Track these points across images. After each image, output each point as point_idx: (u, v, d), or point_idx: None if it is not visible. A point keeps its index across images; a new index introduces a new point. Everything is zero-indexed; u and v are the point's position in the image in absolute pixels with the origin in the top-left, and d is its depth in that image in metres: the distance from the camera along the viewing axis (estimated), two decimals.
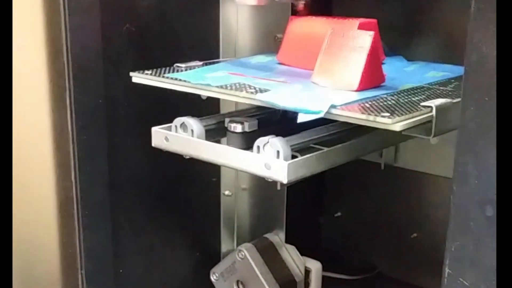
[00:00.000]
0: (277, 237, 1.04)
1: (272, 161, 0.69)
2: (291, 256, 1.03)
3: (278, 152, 0.70)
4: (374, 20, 0.85)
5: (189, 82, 0.77)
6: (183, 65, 0.86)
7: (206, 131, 0.78)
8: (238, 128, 0.76)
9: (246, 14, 1.00)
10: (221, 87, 0.74)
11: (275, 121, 0.84)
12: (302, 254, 1.04)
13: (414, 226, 1.08)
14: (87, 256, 0.87)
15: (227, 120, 0.78)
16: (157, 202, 0.97)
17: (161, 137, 0.78)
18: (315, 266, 1.03)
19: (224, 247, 1.10)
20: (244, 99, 0.72)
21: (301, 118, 0.67)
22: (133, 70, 0.83)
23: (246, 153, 0.72)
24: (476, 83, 0.51)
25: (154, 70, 0.83)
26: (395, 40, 0.99)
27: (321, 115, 0.65)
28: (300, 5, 0.91)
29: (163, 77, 0.80)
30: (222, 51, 1.00)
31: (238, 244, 1.09)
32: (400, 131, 0.63)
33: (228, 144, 0.78)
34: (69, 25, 0.79)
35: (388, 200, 1.09)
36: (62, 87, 0.80)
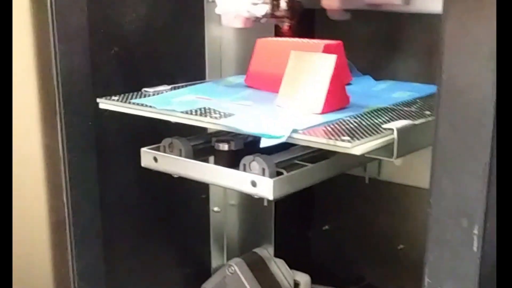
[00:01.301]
0: (266, 251, 1.06)
1: (258, 178, 0.71)
2: (280, 270, 1.05)
3: (263, 169, 0.72)
4: (339, 42, 0.86)
5: (154, 107, 0.77)
6: (151, 89, 0.87)
7: (194, 150, 0.81)
8: (225, 147, 0.79)
9: (230, 35, 1.03)
10: (186, 112, 0.75)
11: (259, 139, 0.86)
12: (291, 268, 1.05)
13: (401, 238, 1.10)
14: (79, 276, 0.89)
15: (214, 139, 0.80)
16: (147, 220, 0.99)
17: (150, 157, 0.81)
18: (304, 279, 1.05)
19: (214, 263, 1.11)
20: (209, 124, 0.73)
21: (264, 143, 0.67)
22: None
23: (233, 171, 0.74)
24: (449, 102, 0.53)
25: (121, 95, 0.83)
26: (375, 59, 1.01)
27: (283, 139, 0.67)
28: (285, 27, 0.92)
29: (129, 103, 0.80)
30: (208, 71, 1.02)
31: (228, 259, 1.10)
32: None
33: (215, 162, 0.80)
34: (59, 50, 0.82)
35: (374, 213, 1.11)
36: (52, 110, 0.82)
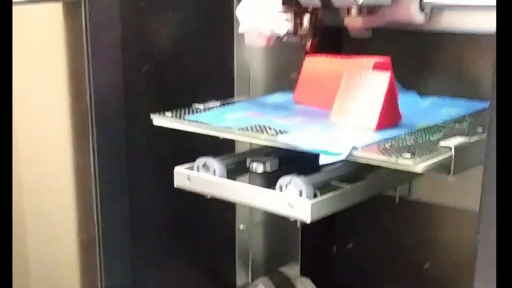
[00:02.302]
0: (292, 270, 1.06)
1: (296, 200, 0.71)
2: None
3: (301, 191, 0.71)
4: (388, 59, 0.86)
5: (210, 125, 0.78)
6: (201, 106, 0.87)
7: (227, 170, 0.80)
8: (259, 168, 0.78)
9: (259, 53, 1.02)
10: (243, 129, 0.76)
11: (294, 158, 0.85)
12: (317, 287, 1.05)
13: (427, 257, 1.09)
14: None
15: (248, 160, 0.80)
16: (174, 239, 0.98)
17: (184, 177, 0.80)
18: None
19: (239, 281, 1.10)
20: (266, 141, 0.74)
21: (323, 160, 0.68)
22: (152, 110, 0.85)
23: (270, 192, 0.73)
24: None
25: (174, 111, 0.84)
26: (404, 75, 1.01)
27: (342, 157, 0.67)
28: (308, 45, 0.92)
29: (183, 119, 0.81)
30: (237, 90, 1.02)
31: (252, 278, 1.10)
32: None
33: (250, 183, 0.79)
34: (92, 68, 0.81)
35: (400, 231, 1.10)
36: (85, 129, 0.82)
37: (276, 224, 1.09)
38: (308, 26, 0.88)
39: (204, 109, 0.86)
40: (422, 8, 0.87)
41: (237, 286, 1.10)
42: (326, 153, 0.68)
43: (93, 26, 0.80)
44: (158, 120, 0.83)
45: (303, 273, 1.05)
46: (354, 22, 0.90)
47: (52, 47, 0.81)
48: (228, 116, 0.82)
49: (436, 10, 0.88)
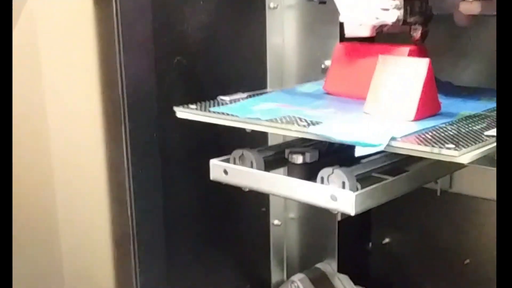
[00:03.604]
0: (329, 266, 1.03)
1: (339, 192, 0.68)
2: (345, 286, 1.01)
3: (343, 182, 0.68)
4: (423, 46, 0.82)
5: (237, 116, 0.74)
6: (227, 98, 0.83)
7: (264, 162, 0.77)
8: (299, 159, 0.75)
9: (292, 43, 1.00)
10: (271, 120, 0.71)
11: (332, 150, 0.82)
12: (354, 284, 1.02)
13: (467, 252, 1.06)
14: None
15: (287, 151, 0.77)
16: (208, 234, 0.96)
17: (220, 170, 0.77)
18: None
19: (274, 278, 1.08)
20: (297, 133, 0.69)
21: (359, 152, 0.64)
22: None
23: (311, 184, 0.70)
24: None
25: (199, 104, 0.80)
26: (439, 64, 0.97)
27: (381, 148, 0.63)
28: (418, 34, 0.82)
29: (208, 111, 0.77)
30: (270, 80, 0.99)
31: (288, 275, 1.07)
32: None
33: (288, 175, 0.76)
34: (124, 60, 0.79)
35: (440, 226, 1.07)
36: (118, 121, 0.80)
37: (312, 219, 1.06)
38: (418, 13, 0.80)
39: (230, 101, 0.83)
40: None
41: (272, 282, 1.08)
42: (363, 144, 0.63)
43: (124, 16, 0.78)
44: (182, 112, 0.79)
45: (340, 269, 1.02)
46: (471, 7, 0.81)
47: (83, 37, 0.79)
48: (255, 108, 0.78)
49: None
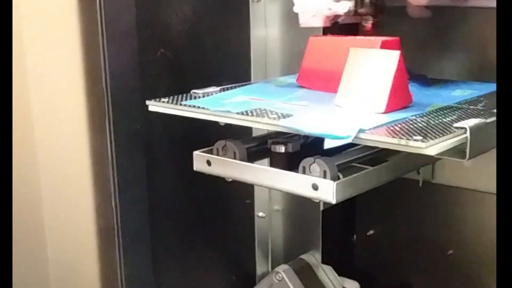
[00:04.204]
0: (313, 257, 1.03)
1: (320, 181, 0.68)
2: (329, 277, 1.02)
3: (325, 172, 0.69)
4: (396, 38, 0.81)
5: (207, 109, 0.74)
6: (200, 91, 0.83)
7: (248, 153, 0.78)
8: (281, 149, 0.76)
9: (276, 35, 1.00)
10: (242, 113, 0.72)
11: (316, 141, 0.83)
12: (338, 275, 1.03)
13: (451, 243, 1.07)
14: (127, 282, 0.86)
15: (269, 141, 0.77)
16: (193, 226, 0.97)
17: (203, 160, 0.78)
18: (352, 286, 1.02)
19: (259, 269, 1.09)
20: (267, 125, 0.70)
21: (328, 144, 0.64)
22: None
23: (293, 174, 0.71)
24: None
25: (171, 97, 0.80)
26: (418, 58, 0.98)
27: (349, 140, 0.63)
28: (368, 25, 0.86)
29: (180, 104, 0.77)
30: (254, 73, 1.00)
31: (273, 266, 1.08)
32: None
33: (271, 165, 0.77)
34: (107, 52, 0.80)
35: (424, 217, 1.08)
36: (102, 114, 0.80)
37: (296, 211, 1.07)
38: (369, 4, 0.83)
39: (203, 95, 0.83)
40: None
41: (257, 274, 1.09)
42: (332, 136, 0.64)
43: (108, 9, 0.79)
44: (154, 106, 0.79)
45: (324, 260, 1.03)
46: None
47: (66, 29, 0.79)
48: (227, 101, 0.78)
49: None
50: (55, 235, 0.84)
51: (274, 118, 0.69)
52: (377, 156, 0.77)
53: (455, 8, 0.91)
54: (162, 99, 0.80)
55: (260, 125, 0.71)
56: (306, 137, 0.80)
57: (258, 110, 0.73)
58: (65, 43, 0.80)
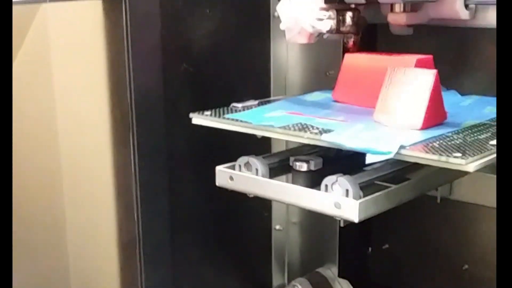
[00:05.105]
0: (330, 271, 1.04)
1: (342, 200, 0.69)
2: None
3: (347, 190, 0.70)
4: (430, 57, 0.85)
5: (250, 123, 0.77)
6: (239, 105, 0.85)
7: (270, 169, 0.79)
8: (303, 166, 0.77)
9: (296, 52, 1.01)
10: (284, 128, 0.74)
11: (334, 158, 0.84)
12: None
13: (466, 258, 1.07)
14: None
15: (291, 159, 0.78)
16: (212, 239, 0.98)
17: (226, 176, 0.79)
18: None
19: (275, 282, 1.09)
20: (309, 140, 0.72)
21: (370, 159, 0.66)
22: (190, 109, 0.84)
23: (315, 192, 0.72)
24: None
25: (213, 110, 0.83)
26: (443, 73, 0.99)
27: (390, 156, 0.65)
28: (350, 42, 0.90)
29: (223, 118, 0.80)
30: (273, 89, 1.01)
31: (289, 279, 1.08)
32: None
33: (293, 182, 0.78)
34: (132, 67, 0.81)
35: (440, 232, 1.08)
36: (126, 127, 0.81)
37: (313, 224, 1.07)
38: (350, 23, 0.86)
39: (243, 108, 0.85)
40: (466, 4, 0.85)
41: (273, 286, 1.09)
42: (373, 152, 0.66)
43: (133, 24, 0.80)
44: (197, 119, 0.82)
45: (341, 274, 1.04)
46: (398, 18, 0.88)
47: (92, 45, 0.81)
48: (267, 115, 0.81)
49: (481, 6, 0.86)
50: (77, 246, 0.86)
51: (315, 133, 0.71)
52: (398, 174, 0.78)
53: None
54: (205, 112, 0.82)
55: (303, 140, 0.73)
56: (334, 152, 0.82)
57: (299, 125, 0.75)
58: (92, 58, 0.81)
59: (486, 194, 0.99)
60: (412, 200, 0.99)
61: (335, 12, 0.84)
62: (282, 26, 0.87)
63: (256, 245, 1.06)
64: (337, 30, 0.86)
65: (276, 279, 1.09)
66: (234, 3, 0.94)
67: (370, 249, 1.20)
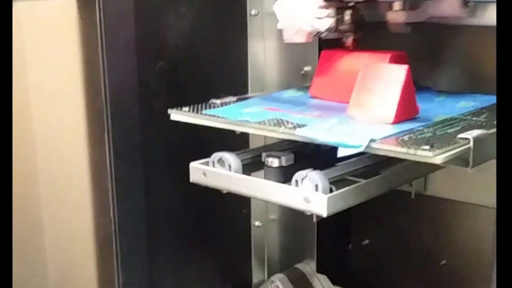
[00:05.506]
0: (308, 267, 1.05)
1: (312, 194, 0.70)
2: (323, 286, 1.04)
3: (316, 185, 0.71)
4: (403, 53, 0.86)
5: (227, 118, 0.78)
6: (218, 101, 0.86)
7: (243, 165, 0.80)
8: (275, 162, 0.77)
9: (273, 49, 1.02)
10: (260, 123, 0.75)
11: (308, 154, 0.85)
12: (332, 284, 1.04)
13: (444, 253, 1.08)
14: None
15: (264, 154, 0.79)
16: (190, 235, 0.98)
17: (199, 172, 0.80)
18: None
19: (255, 278, 1.10)
20: (284, 134, 0.73)
21: (341, 153, 0.68)
22: (167, 107, 0.84)
23: (285, 187, 0.73)
24: None
25: (191, 106, 0.83)
26: (418, 70, 1.00)
27: (361, 149, 0.67)
28: (349, 41, 0.89)
29: (201, 114, 0.81)
30: (251, 86, 1.02)
31: (269, 275, 1.09)
32: None
33: (265, 178, 0.79)
34: (107, 65, 0.81)
35: (417, 227, 1.09)
36: (101, 125, 0.82)
37: (292, 220, 1.08)
38: (349, 22, 0.86)
39: (221, 104, 0.86)
40: (466, 2, 0.86)
41: (253, 282, 1.10)
42: (345, 145, 0.68)
43: (107, 22, 0.81)
44: (176, 115, 0.82)
45: (319, 270, 1.05)
46: (397, 16, 0.87)
47: (66, 43, 0.81)
48: (245, 111, 0.82)
49: (481, 4, 0.87)
50: (53, 244, 0.86)
51: (290, 128, 0.73)
52: (370, 169, 0.79)
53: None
54: (184, 109, 0.83)
55: (277, 134, 0.74)
56: (312, 147, 0.83)
57: (275, 120, 0.76)
58: (65, 56, 0.82)
59: (460, 190, 1.00)
60: (389, 196, 1.00)
61: (334, 10, 0.84)
62: (279, 26, 0.87)
63: (235, 241, 1.06)
64: (336, 29, 0.86)
65: (256, 275, 1.10)
66: (210, 1, 0.95)
67: (350, 245, 1.21)
